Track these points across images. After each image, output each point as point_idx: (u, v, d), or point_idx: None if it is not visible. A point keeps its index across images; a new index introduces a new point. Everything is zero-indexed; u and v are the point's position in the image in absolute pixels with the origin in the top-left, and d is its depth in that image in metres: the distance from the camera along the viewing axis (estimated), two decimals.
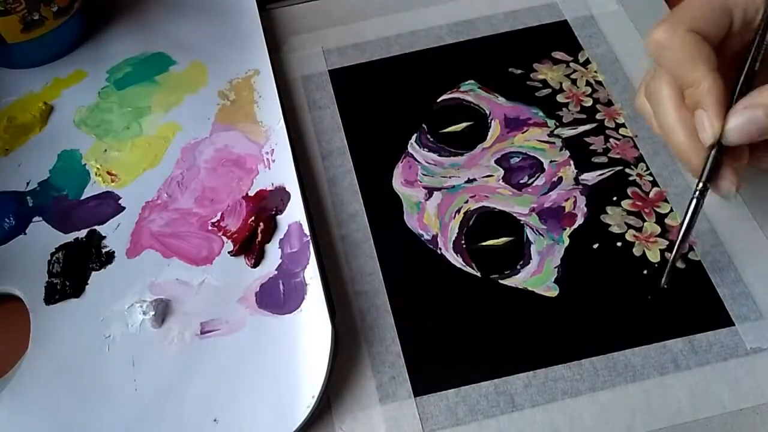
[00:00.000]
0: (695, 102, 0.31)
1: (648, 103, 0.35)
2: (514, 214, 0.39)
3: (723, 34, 0.32)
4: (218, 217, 0.38)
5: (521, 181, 0.40)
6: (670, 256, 0.35)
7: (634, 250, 0.37)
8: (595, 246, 0.38)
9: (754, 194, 0.39)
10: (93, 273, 0.37)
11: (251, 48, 0.45)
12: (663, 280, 0.35)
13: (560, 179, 0.40)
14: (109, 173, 0.40)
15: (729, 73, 0.32)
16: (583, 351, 0.34)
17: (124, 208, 0.39)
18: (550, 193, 0.40)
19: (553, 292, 0.36)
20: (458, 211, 0.39)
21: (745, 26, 0.32)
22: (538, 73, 0.45)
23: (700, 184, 0.32)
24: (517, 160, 0.41)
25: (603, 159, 0.41)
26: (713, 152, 0.31)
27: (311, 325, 0.34)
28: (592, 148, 0.41)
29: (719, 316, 0.35)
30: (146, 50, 0.46)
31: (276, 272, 0.36)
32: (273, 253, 0.37)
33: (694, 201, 0.33)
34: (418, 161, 0.41)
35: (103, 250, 0.37)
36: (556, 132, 0.42)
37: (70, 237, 0.38)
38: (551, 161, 0.41)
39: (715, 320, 0.35)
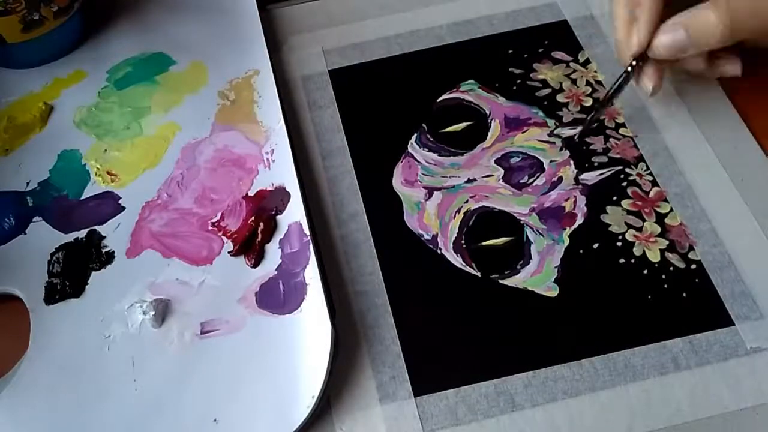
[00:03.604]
0: (634, 6, 0.37)
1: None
2: (514, 214, 0.39)
3: None
4: (218, 217, 0.38)
5: (521, 181, 0.40)
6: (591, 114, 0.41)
7: (634, 249, 0.37)
8: (595, 246, 0.38)
9: (754, 193, 0.39)
10: (93, 273, 0.37)
11: (251, 48, 0.45)
12: (579, 133, 0.41)
13: (560, 179, 0.40)
14: (109, 173, 0.40)
15: None
16: (583, 351, 0.34)
17: (124, 208, 0.39)
18: (550, 192, 0.40)
19: (553, 292, 0.36)
20: (458, 211, 0.39)
21: None
22: (538, 73, 0.45)
23: (629, 67, 0.39)
24: (517, 159, 0.41)
25: (603, 159, 0.41)
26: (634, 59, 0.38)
27: (311, 325, 0.34)
28: (592, 147, 0.41)
29: (719, 315, 0.35)
30: (146, 50, 0.46)
31: (276, 272, 0.36)
32: (273, 253, 0.37)
33: (624, 76, 0.39)
34: (418, 161, 0.41)
35: (103, 250, 0.37)
36: (556, 132, 0.42)
37: (70, 237, 0.38)
38: (551, 161, 0.41)
39: (715, 320, 0.35)
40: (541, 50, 0.46)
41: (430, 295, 0.37)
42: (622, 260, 0.37)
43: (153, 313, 0.34)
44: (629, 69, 0.39)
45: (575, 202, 0.39)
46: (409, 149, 0.42)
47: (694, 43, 0.36)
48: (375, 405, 0.33)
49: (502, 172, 0.41)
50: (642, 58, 0.38)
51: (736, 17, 0.35)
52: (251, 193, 0.39)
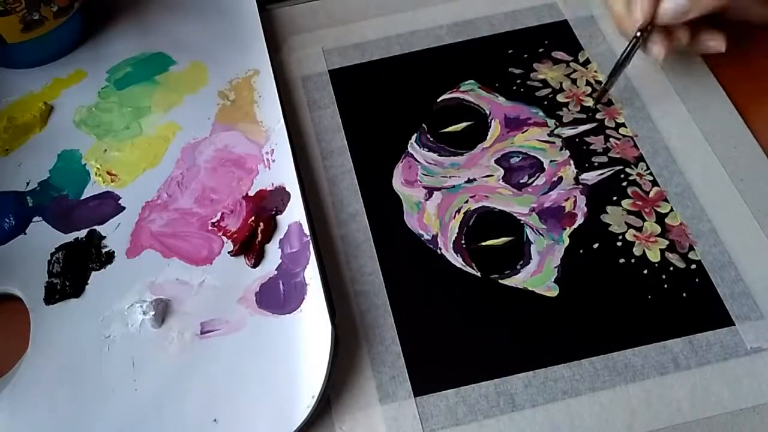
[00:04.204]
0: None
1: None
2: (514, 214, 0.39)
3: None
4: (218, 217, 0.38)
5: (521, 181, 0.40)
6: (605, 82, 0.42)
7: (634, 249, 0.37)
8: (595, 246, 0.38)
9: (754, 193, 0.39)
10: (93, 273, 0.37)
11: (251, 48, 0.45)
12: (594, 100, 0.43)
13: (560, 179, 0.40)
14: (109, 173, 0.40)
15: None
16: (583, 351, 0.34)
17: (124, 208, 0.39)
18: (550, 192, 0.40)
19: (553, 292, 0.36)
20: (458, 211, 0.39)
21: None
22: (538, 73, 0.45)
23: (634, 38, 0.40)
24: (517, 159, 0.41)
25: (603, 159, 0.41)
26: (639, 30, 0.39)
27: (311, 325, 0.34)
28: (592, 147, 0.41)
29: (719, 315, 0.35)
30: (146, 50, 0.46)
31: (276, 272, 0.36)
32: (273, 253, 0.37)
33: (631, 46, 0.40)
34: (418, 161, 0.41)
35: (103, 250, 0.37)
36: (556, 132, 0.42)
37: (70, 237, 0.38)
38: (551, 161, 0.41)
39: (715, 320, 0.35)
40: (541, 50, 0.46)
41: (430, 295, 0.37)
42: (622, 260, 0.37)
43: (153, 313, 0.34)
44: (635, 39, 0.40)
45: (575, 202, 0.39)
46: (409, 149, 0.42)
47: (695, 4, 0.38)
48: (375, 405, 0.33)
49: (502, 172, 0.41)
50: (646, 27, 0.39)
51: None
52: (251, 193, 0.39)
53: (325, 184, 0.41)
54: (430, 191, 0.40)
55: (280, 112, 0.42)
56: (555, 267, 0.37)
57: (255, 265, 0.36)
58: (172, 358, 0.34)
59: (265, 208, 0.38)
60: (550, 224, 0.38)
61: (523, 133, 0.42)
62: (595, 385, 0.33)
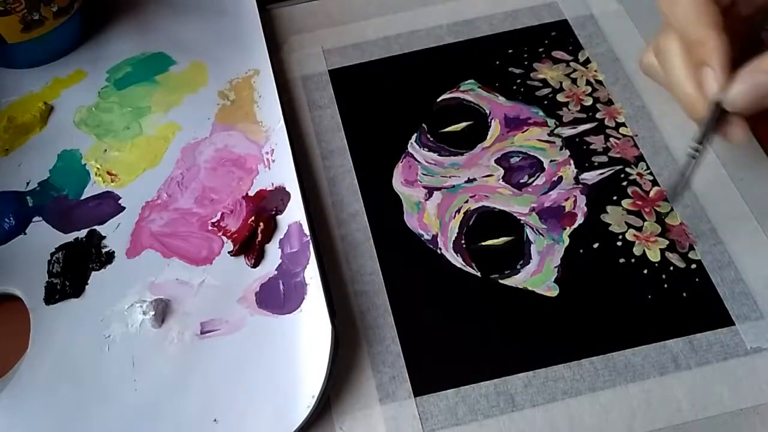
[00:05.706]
0: (700, 60, 0.33)
1: (656, 60, 0.37)
2: (514, 214, 0.39)
3: None
4: (218, 217, 0.38)
5: (521, 181, 0.40)
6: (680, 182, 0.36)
7: (634, 249, 0.37)
8: (596, 245, 0.38)
9: (754, 193, 0.39)
10: (93, 273, 0.37)
11: (251, 48, 0.45)
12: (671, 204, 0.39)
13: (560, 179, 0.40)
14: (109, 173, 0.40)
15: (736, 36, 0.33)
16: (583, 351, 0.34)
17: (124, 208, 0.39)
18: (550, 192, 0.40)
19: (553, 291, 0.36)
20: (458, 210, 0.39)
21: None
22: (538, 73, 0.45)
23: (703, 141, 0.34)
24: (517, 159, 0.41)
25: (603, 158, 0.41)
26: (714, 108, 0.33)
27: (311, 325, 0.34)
28: (592, 147, 0.41)
29: (719, 315, 0.35)
30: (146, 50, 0.46)
31: (276, 272, 0.36)
32: (273, 253, 0.37)
33: (697, 155, 0.35)
34: (418, 161, 0.41)
35: (103, 250, 0.37)
36: (556, 131, 0.42)
37: (70, 237, 0.38)
38: (551, 161, 0.41)
39: (715, 320, 0.35)
40: (541, 50, 0.46)
41: (430, 295, 0.37)
42: (622, 260, 0.37)
43: (153, 313, 0.34)
44: (713, 111, 0.33)
45: (575, 201, 0.39)
46: (409, 149, 0.42)
47: None
48: (375, 405, 0.33)
49: (502, 171, 0.41)
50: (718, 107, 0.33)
51: None
52: (251, 193, 0.39)
53: (325, 184, 0.41)
54: (430, 191, 0.40)
55: (280, 112, 0.42)
56: (555, 267, 0.37)
57: (255, 265, 0.36)
58: (172, 358, 0.34)
59: (265, 208, 0.38)
60: (550, 224, 0.38)
61: (523, 132, 0.42)
62: (595, 385, 0.33)
